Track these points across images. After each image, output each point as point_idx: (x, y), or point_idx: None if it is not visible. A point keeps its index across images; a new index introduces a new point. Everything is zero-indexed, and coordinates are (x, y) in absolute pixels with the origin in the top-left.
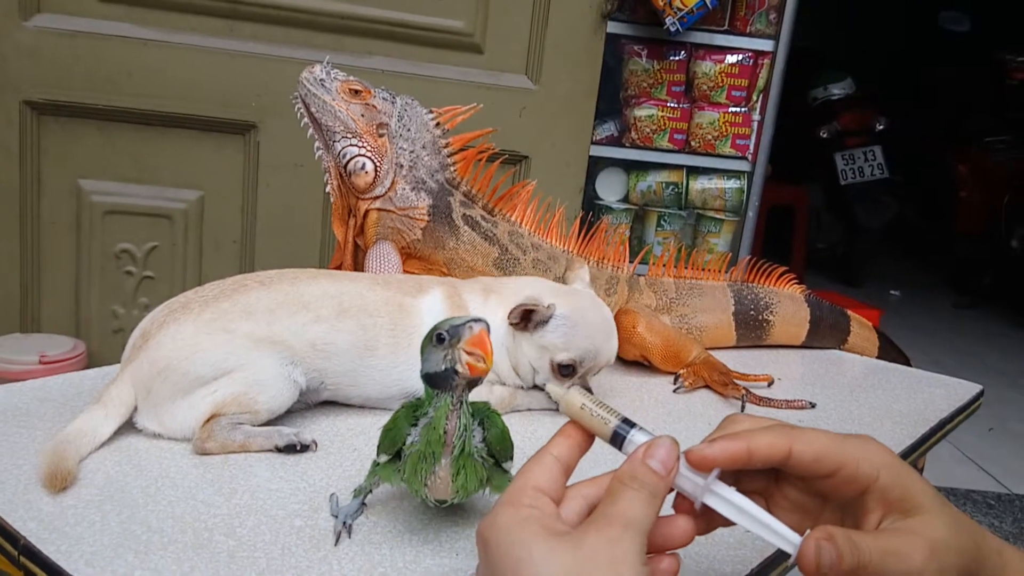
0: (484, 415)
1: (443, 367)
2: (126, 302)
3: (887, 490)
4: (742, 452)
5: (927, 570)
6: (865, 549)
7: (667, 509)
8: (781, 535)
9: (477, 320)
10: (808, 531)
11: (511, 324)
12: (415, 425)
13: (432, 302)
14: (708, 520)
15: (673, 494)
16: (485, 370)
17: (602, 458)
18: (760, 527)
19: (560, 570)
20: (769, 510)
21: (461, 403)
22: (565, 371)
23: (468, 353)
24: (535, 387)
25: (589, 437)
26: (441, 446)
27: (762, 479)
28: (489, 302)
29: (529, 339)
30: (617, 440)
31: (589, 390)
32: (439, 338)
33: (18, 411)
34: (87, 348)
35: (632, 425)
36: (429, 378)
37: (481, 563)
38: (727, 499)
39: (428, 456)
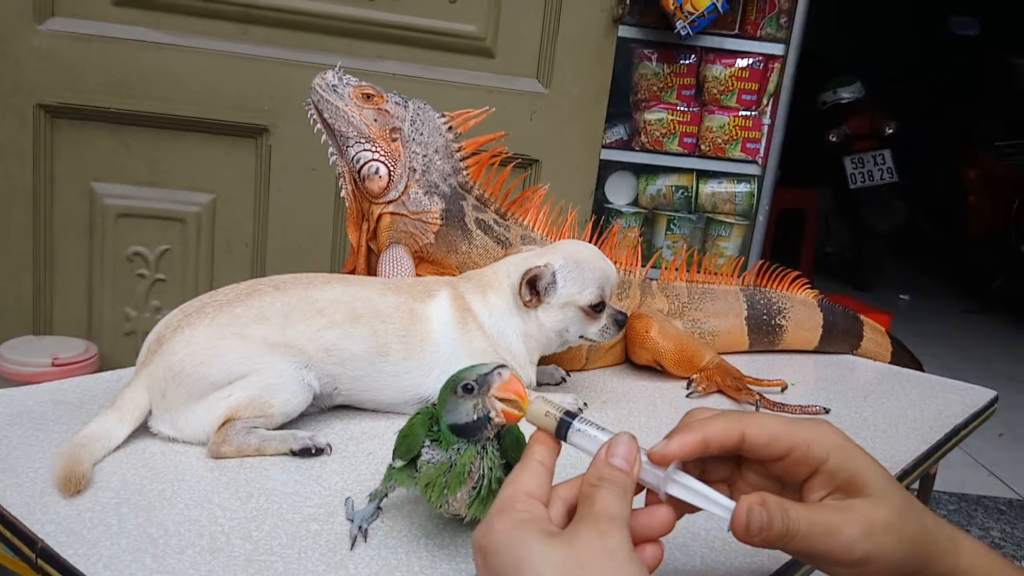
0: None
1: (474, 416)
2: (138, 305)
3: (835, 471)
4: (698, 442)
5: (857, 548)
6: (794, 517)
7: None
8: (730, 510)
9: (502, 366)
10: (743, 496)
11: (525, 304)
12: (434, 440)
13: (440, 307)
14: (678, 508)
15: (644, 492)
16: (520, 417)
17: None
18: (719, 508)
19: (559, 565)
20: (732, 496)
21: (487, 449)
22: (598, 308)
23: (501, 400)
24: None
25: (559, 440)
26: (460, 484)
27: (726, 468)
28: (489, 298)
29: (546, 308)
30: (561, 432)
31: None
32: (467, 388)
33: (33, 414)
34: (99, 350)
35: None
36: (457, 429)
37: (479, 572)
38: (689, 487)
39: (441, 486)
